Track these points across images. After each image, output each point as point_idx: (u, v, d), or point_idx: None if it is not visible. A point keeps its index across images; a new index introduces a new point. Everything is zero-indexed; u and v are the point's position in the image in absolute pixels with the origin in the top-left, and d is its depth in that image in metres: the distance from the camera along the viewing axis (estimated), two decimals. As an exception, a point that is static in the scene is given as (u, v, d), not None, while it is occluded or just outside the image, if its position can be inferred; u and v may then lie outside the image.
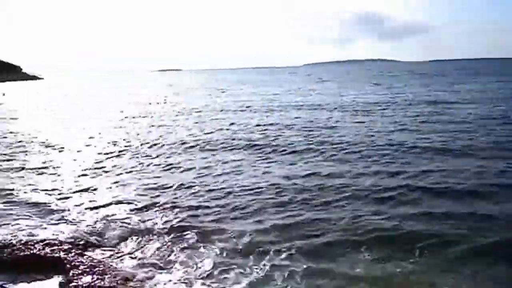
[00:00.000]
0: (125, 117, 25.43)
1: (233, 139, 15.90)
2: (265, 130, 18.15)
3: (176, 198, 9.02)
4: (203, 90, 56.62)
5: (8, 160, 13.42)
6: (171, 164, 12.33)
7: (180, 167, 12.00)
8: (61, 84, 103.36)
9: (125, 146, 15.50)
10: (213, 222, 7.55)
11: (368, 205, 8.15)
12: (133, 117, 25.34)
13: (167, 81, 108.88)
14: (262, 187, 9.44)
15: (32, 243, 6.34)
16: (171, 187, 9.85)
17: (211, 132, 18.05)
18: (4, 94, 53.54)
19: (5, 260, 5.97)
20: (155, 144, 15.61)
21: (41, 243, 6.35)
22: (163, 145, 15.44)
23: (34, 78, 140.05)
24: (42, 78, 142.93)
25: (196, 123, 21.67)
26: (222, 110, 27.71)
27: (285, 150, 13.65)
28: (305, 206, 8.24)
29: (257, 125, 19.63)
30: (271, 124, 19.78)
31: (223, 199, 8.78)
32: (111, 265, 5.83)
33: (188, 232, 7.09)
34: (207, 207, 8.35)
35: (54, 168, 12.32)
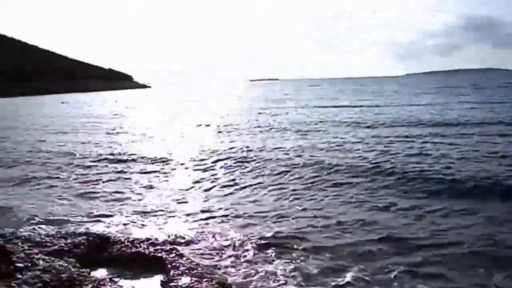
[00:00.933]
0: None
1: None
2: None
3: (282, 209, 8.94)
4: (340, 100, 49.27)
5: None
6: (282, 183, 11.27)
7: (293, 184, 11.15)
8: (167, 92, 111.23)
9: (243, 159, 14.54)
10: (321, 236, 7.36)
11: None
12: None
13: (278, 89, 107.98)
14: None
15: (138, 241, 6.78)
16: (278, 199, 9.77)
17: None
18: (116, 101, 60.99)
19: (114, 256, 6.44)
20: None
21: (146, 242, 6.75)
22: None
23: (143, 86, 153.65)
24: (150, 87, 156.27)
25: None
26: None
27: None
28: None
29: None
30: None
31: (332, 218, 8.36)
32: (208, 270, 5.98)
33: (292, 243, 6.99)
34: (315, 221, 8.14)
35: (164, 163, 13.34)
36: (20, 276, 5.09)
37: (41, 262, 5.72)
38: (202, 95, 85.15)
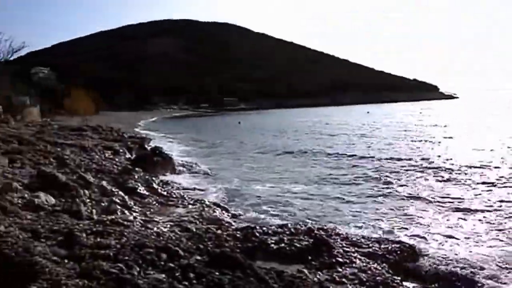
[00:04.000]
0: None
1: None
2: None
3: None
4: None
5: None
6: None
7: None
8: (476, 103, 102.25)
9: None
10: None
11: None
12: None
13: None
14: None
15: (455, 263, 6.36)
16: None
17: None
18: (421, 112, 60.72)
19: (426, 271, 6.26)
20: None
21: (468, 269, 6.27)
22: None
23: (449, 97, 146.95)
24: (457, 97, 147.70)
25: None
26: None
27: None
28: None
29: None
30: None
31: None
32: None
33: None
34: None
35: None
36: (340, 270, 5.60)
37: (357, 261, 6.15)
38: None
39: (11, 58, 44.12)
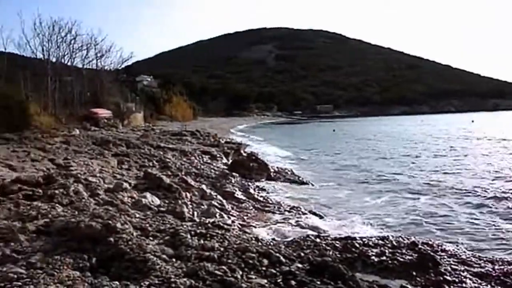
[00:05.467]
0: None
1: None
2: None
3: None
4: None
5: None
6: None
7: None
8: None
9: None
10: None
11: None
12: None
13: None
14: None
15: None
16: None
17: None
18: (472, 121, 61.67)
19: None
20: None
21: None
22: None
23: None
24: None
25: None
26: None
27: None
28: None
29: None
30: None
31: None
32: None
33: None
34: None
35: None
36: (450, 290, 5.24)
37: (468, 281, 5.72)
38: None
39: (120, 67, 48.18)
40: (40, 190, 8.88)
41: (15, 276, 4.67)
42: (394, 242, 7.25)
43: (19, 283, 4.50)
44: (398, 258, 6.52)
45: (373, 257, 6.59)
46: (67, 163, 13.20)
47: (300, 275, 5.20)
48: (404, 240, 7.40)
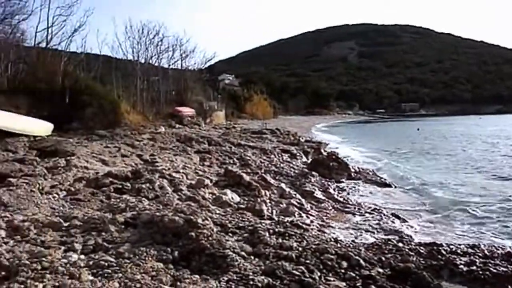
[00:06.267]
0: None
1: None
2: None
3: None
4: None
5: None
6: None
7: None
8: None
9: None
10: None
11: None
12: None
13: None
14: None
15: None
16: None
17: None
18: None
19: None
20: None
21: None
22: None
23: None
24: None
25: None
26: None
27: None
28: None
29: None
30: None
31: None
32: None
33: None
34: None
35: None
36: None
37: None
38: None
39: (203, 67, 49.87)
40: (129, 184, 9.47)
41: (106, 264, 5.03)
42: (486, 251, 6.73)
43: (109, 271, 4.84)
44: (491, 268, 6.04)
45: (461, 266, 6.17)
46: (153, 159, 13.93)
47: (381, 280, 5.03)
48: (497, 249, 6.86)
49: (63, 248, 5.54)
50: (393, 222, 9.17)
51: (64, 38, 26.99)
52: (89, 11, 27.09)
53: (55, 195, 8.73)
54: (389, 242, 7.14)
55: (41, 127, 17.86)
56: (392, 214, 9.90)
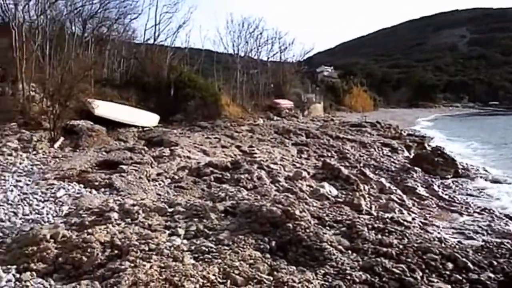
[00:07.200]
0: None
1: None
2: None
3: None
4: None
5: None
6: None
7: None
8: None
9: None
10: None
11: None
12: None
13: None
14: None
15: None
16: None
17: None
18: None
19: None
20: None
21: None
22: None
23: None
24: None
25: None
26: None
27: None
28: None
29: None
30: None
31: None
32: None
33: None
34: None
35: None
36: None
37: None
38: None
39: (302, 59, 49.84)
40: (228, 174, 9.84)
41: (206, 249, 5.29)
42: None
43: (209, 256, 5.08)
44: None
45: None
46: (252, 150, 14.30)
47: (491, 286, 4.67)
48: None
49: (167, 232, 5.95)
50: (507, 225, 8.45)
51: (170, 34, 28.81)
52: (192, 8, 28.58)
53: (160, 182, 9.39)
54: (502, 245, 6.57)
55: (149, 119, 19.25)
56: (506, 216, 9.11)
